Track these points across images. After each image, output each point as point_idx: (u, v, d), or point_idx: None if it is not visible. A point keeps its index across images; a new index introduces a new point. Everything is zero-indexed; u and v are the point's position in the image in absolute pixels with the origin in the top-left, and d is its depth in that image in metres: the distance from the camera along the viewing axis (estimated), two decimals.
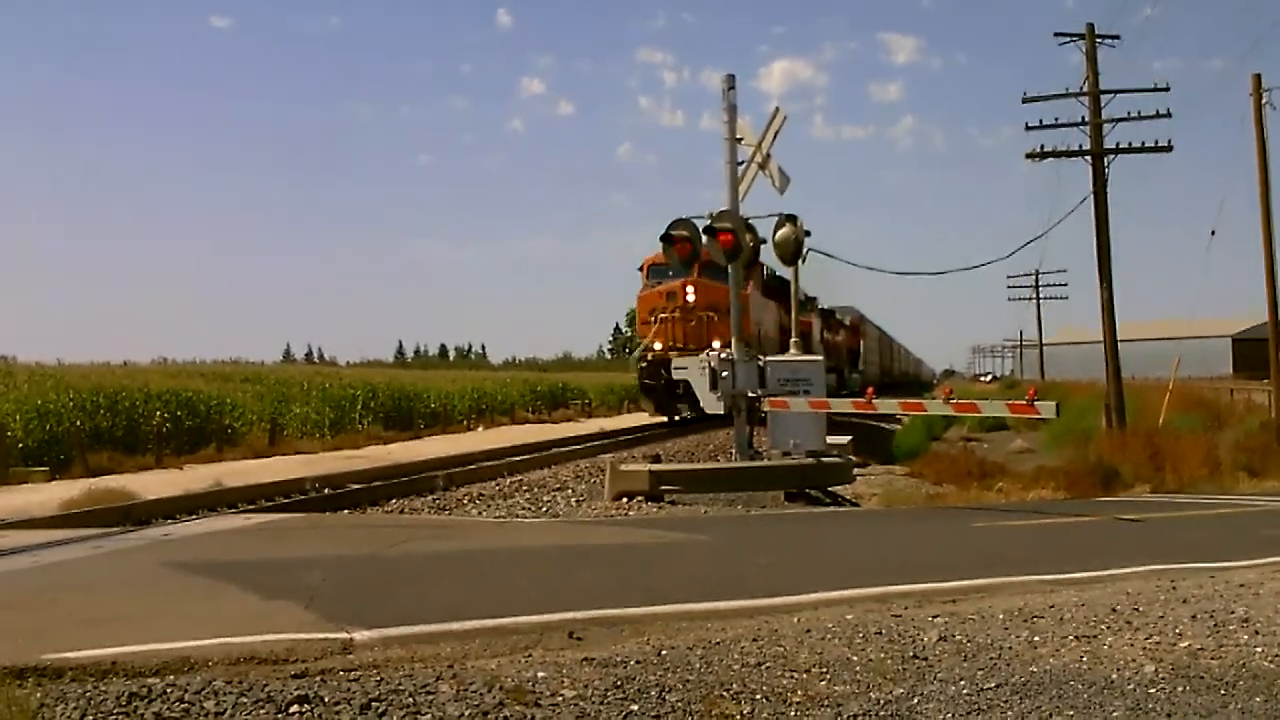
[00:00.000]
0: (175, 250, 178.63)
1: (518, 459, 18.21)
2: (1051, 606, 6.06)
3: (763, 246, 14.30)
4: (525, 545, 8.93)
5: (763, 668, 4.87)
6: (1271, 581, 6.78)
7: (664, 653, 5.09)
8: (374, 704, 4.18)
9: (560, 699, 4.35)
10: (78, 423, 21.66)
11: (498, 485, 14.69)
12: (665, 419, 26.59)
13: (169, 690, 4.25)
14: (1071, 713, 4.25)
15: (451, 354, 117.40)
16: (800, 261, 16.09)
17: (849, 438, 17.94)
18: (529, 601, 6.08)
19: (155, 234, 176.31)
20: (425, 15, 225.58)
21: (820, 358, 16.99)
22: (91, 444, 21.19)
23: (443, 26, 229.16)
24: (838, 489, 15.64)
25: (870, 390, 14.02)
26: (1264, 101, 23.93)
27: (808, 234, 14.48)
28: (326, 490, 13.97)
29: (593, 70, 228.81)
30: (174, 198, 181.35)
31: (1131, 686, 4.57)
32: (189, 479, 16.95)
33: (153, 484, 16.00)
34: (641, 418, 29.61)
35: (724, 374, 13.75)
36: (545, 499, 13.31)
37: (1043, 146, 25.34)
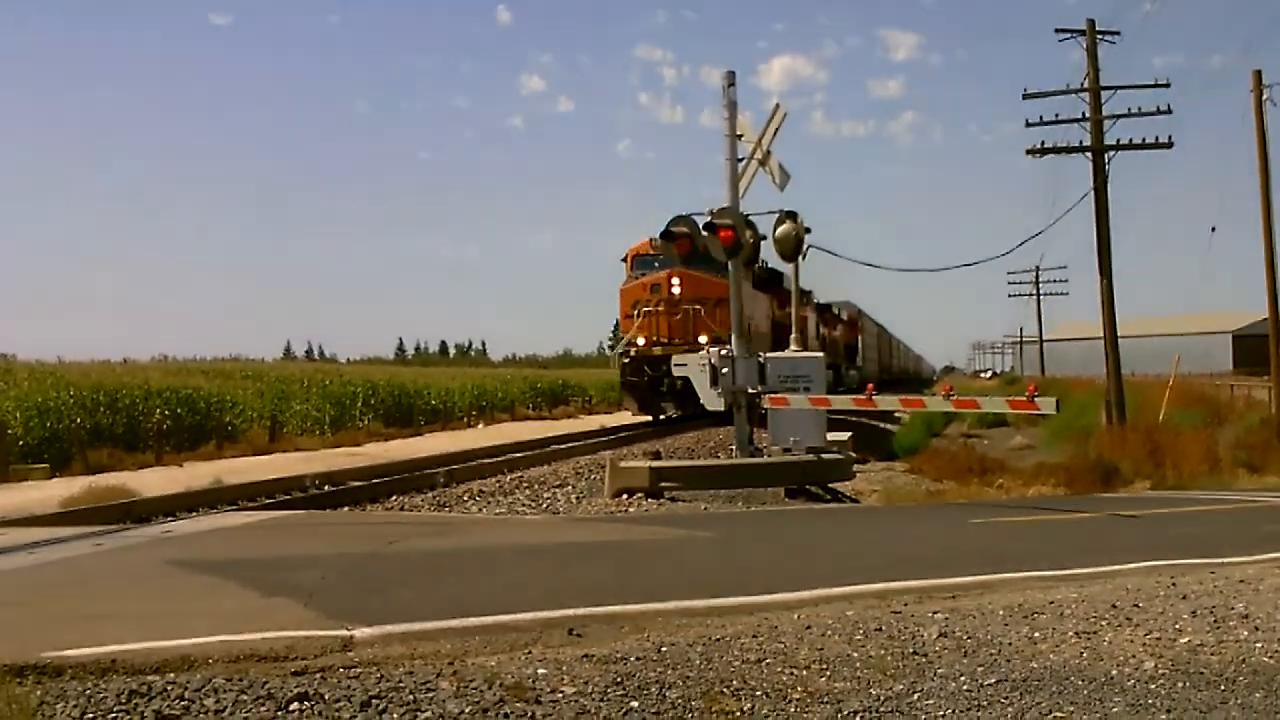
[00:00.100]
0: (175, 249, 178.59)
1: (518, 455, 18.20)
2: (1051, 603, 6.05)
3: (763, 243, 14.29)
4: (525, 542, 8.92)
5: (763, 664, 4.87)
6: (1271, 577, 6.78)
7: (664, 649, 5.09)
8: (374, 701, 4.18)
9: (560, 696, 4.35)
10: (78, 420, 21.67)
11: (498, 482, 14.68)
12: (649, 418, 25.31)
13: (169, 687, 4.25)
14: (1071, 709, 4.25)
15: (452, 351, 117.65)
16: (801, 258, 16.08)
17: (849, 434, 17.95)
18: (529, 598, 6.08)
19: (155, 233, 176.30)
20: (425, 12, 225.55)
21: (820, 354, 17.00)
22: (92, 441, 21.20)
23: (443, 23, 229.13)
24: (838, 485, 15.66)
25: (871, 387, 14.02)
26: (1264, 98, 23.93)
27: (808, 230, 14.48)
28: (326, 487, 13.96)
29: (593, 67, 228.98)
30: (174, 197, 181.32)
31: (1131, 682, 4.57)
32: (189, 476, 16.97)
33: (153, 481, 16.01)
34: None
35: (724, 370, 13.74)
36: (545, 496, 13.31)
37: (1043, 143, 25.32)
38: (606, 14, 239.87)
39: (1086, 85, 24.87)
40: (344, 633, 5.21)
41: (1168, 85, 24.22)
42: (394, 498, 13.40)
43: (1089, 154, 24.85)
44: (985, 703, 4.33)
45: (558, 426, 31.78)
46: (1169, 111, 24.08)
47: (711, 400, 14.17)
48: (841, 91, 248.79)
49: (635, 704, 4.29)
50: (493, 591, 6.46)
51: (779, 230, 14.04)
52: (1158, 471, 18.21)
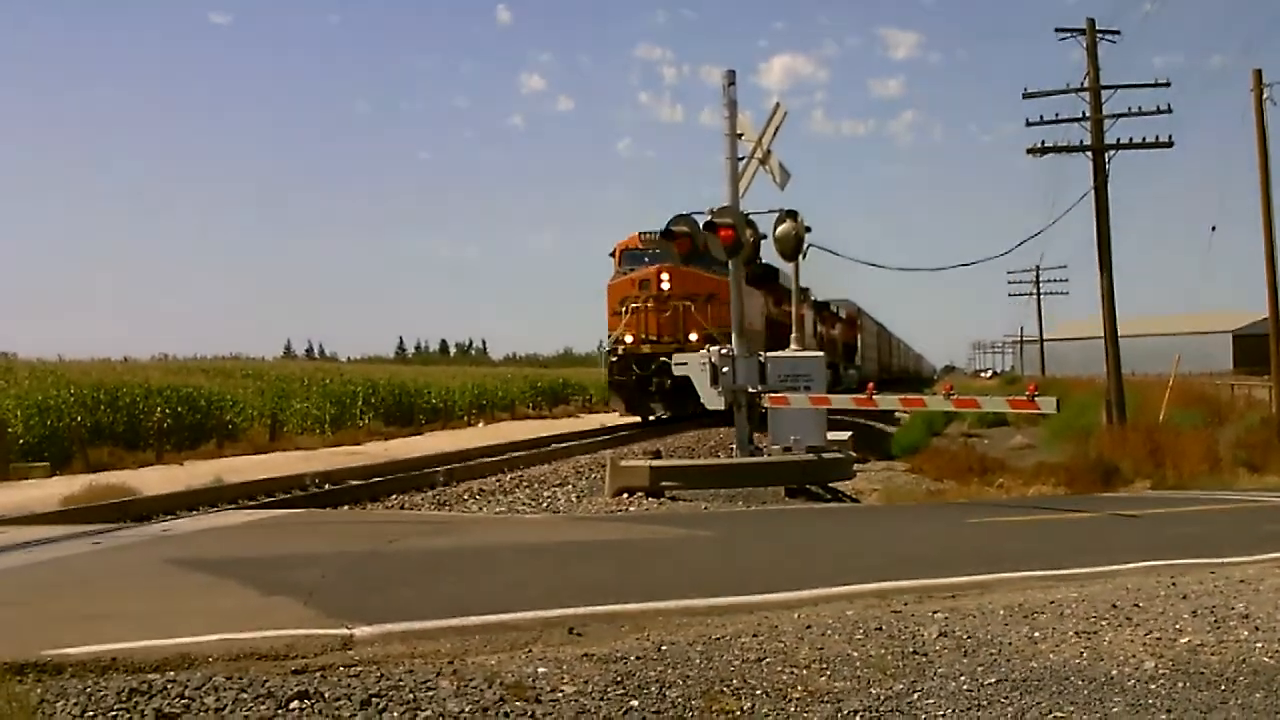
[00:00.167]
0: (175, 249, 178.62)
1: (518, 454, 18.20)
2: (1051, 602, 6.05)
3: (763, 242, 14.30)
4: (525, 541, 8.92)
5: (763, 663, 4.87)
6: (1272, 577, 6.77)
7: (664, 648, 5.09)
8: (374, 699, 4.18)
9: (560, 695, 4.35)
10: (78, 418, 21.68)
11: (498, 481, 14.67)
12: (638, 419, 24.43)
13: (169, 686, 4.25)
14: (1071, 708, 4.25)
15: (452, 350, 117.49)
16: (801, 257, 16.08)
17: (849, 433, 17.96)
18: (529, 597, 6.08)
19: (155, 233, 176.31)
20: (425, 12, 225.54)
21: (821, 353, 17.01)
22: (92, 440, 21.21)
23: (443, 23, 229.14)
24: (838, 485, 15.66)
25: (871, 386, 14.02)
26: (1264, 97, 23.92)
27: (808, 229, 14.48)
28: (326, 486, 13.95)
29: (592, 66, 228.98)
30: (174, 197, 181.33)
31: (1131, 682, 4.57)
32: (189, 475, 16.96)
33: (153, 480, 16.01)
34: None
35: (724, 370, 13.74)
36: (546, 494, 13.30)
37: (1043, 142, 25.33)
38: (606, 13, 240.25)
39: (1086, 85, 24.86)
40: (344, 631, 5.21)
41: (1168, 85, 24.26)
42: (394, 496, 13.39)
43: (1089, 153, 24.84)
44: (985, 702, 4.33)
45: (558, 425, 31.75)
46: (1169, 111, 24.12)
47: (712, 399, 14.17)
48: (841, 90, 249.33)
49: (635, 703, 4.29)
50: (493, 590, 6.46)
51: (779, 229, 14.04)
52: (1158, 471, 18.20)
